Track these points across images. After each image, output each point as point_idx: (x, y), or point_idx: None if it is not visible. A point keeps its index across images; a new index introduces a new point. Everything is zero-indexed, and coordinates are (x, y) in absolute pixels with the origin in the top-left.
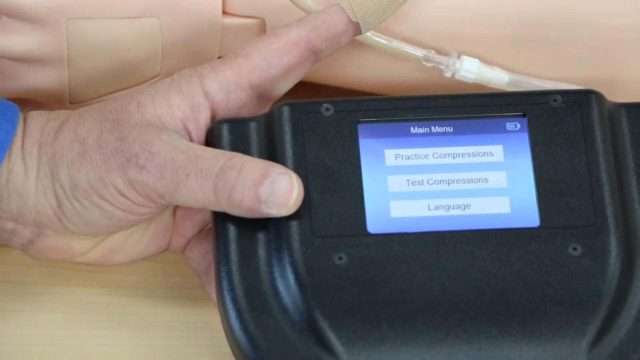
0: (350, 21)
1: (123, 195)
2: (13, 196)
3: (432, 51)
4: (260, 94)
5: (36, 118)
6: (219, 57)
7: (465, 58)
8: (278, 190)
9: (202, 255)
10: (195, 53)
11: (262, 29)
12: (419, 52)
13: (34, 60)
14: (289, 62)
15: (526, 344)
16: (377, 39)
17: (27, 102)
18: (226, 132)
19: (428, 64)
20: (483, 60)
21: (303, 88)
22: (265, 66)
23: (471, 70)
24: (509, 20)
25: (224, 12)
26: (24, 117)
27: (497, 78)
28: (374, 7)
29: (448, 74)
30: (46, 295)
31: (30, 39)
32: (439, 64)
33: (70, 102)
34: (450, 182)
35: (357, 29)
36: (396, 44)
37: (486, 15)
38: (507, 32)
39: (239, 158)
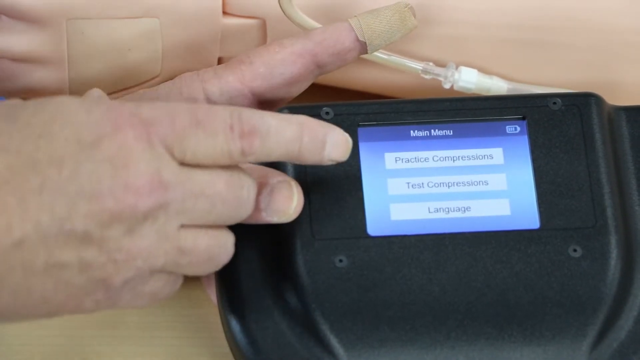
0: (358, 40)
1: None
2: None
3: (430, 63)
4: (262, 102)
5: None
6: (219, 58)
7: (463, 69)
8: (277, 198)
9: None
10: (195, 53)
11: (263, 29)
12: (417, 65)
13: (34, 60)
14: (292, 73)
15: (527, 346)
16: (376, 53)
17: None
18: None
19: (427, 77)
20: (482, 63)
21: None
22: (268, 75)
23: (470, 81)
24: (509, 22)
25: (224, 13)
26: None
27: (496, 87)
28: (382, 29)
29: (447, 86)
30: None
31: (31, 39)
32: (438, 75)
33: None
34: (450, 184)
35: (363, 48)
36: (395, 58)
37: (485, 17)
38: (507, 34)
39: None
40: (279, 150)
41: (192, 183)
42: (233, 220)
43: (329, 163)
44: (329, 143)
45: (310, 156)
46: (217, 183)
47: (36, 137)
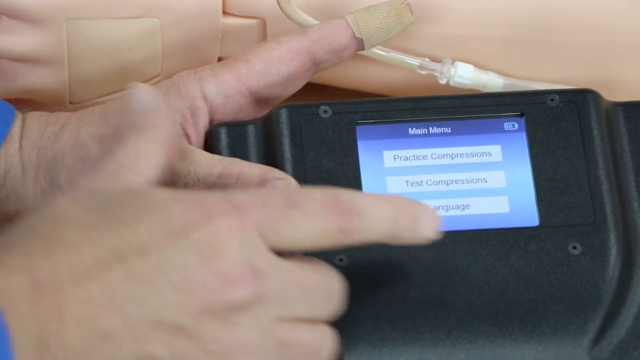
0: (354, 36)
1: None
2: (11, 197)
3: (427, 59)
4: (259, 100)
5: (36, 121)
6: (219, 58)
7: (459, 64)
8: None
9: None
10: (195, 53)
11: (263, 29)
12: (413, 61)
13: (34, 60)
14: (288, 70)
15: (527, 343)
16: (372, 49)
17: (28, 102)
18: (224, 136)
19: (423, 72)
20: (480, 61)
21: (301, 89)
22: (265, 73)
23: (466, 76)
24: (507, 21)
25: (224, 13)
26: (23, 117)
27: (493, 82)
28: (379, 26)
29: (443, 81)
30: None
31: (30, 39)
32: (434, 71)
33: (70, 103)
34: (449, 182)
35: (360, 45)
36: (391, 54)
37: (483, 15)
38: (505, 33)
39: (236, 164)
40: (378, 229)
41: (286, 272)
42: (327, 314)
43: (422, 242)
44: (422, 220)
45: (408, 235)
46: (309, 273)
47: (123, 227)
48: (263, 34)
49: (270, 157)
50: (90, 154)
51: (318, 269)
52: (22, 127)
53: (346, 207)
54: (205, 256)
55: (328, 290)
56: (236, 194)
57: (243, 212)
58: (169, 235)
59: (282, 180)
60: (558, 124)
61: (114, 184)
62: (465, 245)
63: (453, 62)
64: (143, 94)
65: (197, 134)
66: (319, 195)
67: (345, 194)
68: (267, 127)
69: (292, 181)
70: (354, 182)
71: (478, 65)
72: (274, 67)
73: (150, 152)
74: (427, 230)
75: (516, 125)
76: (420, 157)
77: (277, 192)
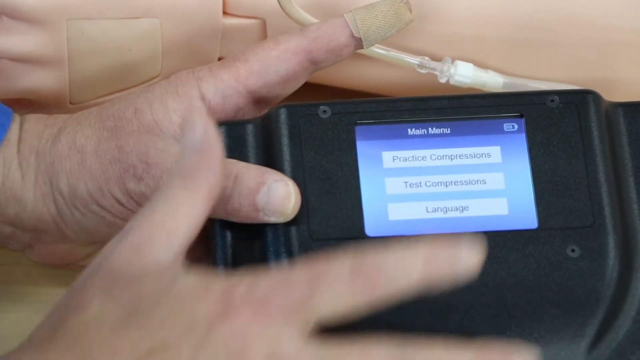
0: (353, 35)
1: (122, 204)
2: (10, 201)
3: (426, 58)
4: (257, 100)
5: (34, 124)
6: (219, 58)
7: (459, 63)
8: (275, 198)
9: (199, 257)
10: (195, 53)
11: (263, 29)
12: (413, 60)
13: (34, 60)
14: (287, 70)
15: (525, 346)
16: (371, 48)
17: (28, 103)
18: (223, 135)
19: (423, 71)
20: (479, 61)
21: (300, 89)
22: (263, 72)
23: (466, 75)
24: (506, 20)
25: (225, 13)
26: (21, 121)
27: (492, 81)
28: (378, 24)
29: (443, 80)
30: (46, 296)
31: (31, 39)
32: (434, 70)
33: (70, 103)
34: (448, 184)
35: (359, 44)
36: (390, 53)
37: (482, 15)
38: (504, 32)
39: (234, 166)
40: (409, 284)
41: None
42: None
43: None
44: (460, 259)
45: (447, 280)
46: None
47: (151, 332)
48: (263, 34)
49: (269, 157)
50: (87, 158)
51: (352, 352)
52: (20, 130)
53: (372, 271)
54: (231, 353)
55: None
56: (261, 283)
57: (268, 304)
58: (192, 331)
59: (281, 182)
60: (558, 125)
61: (135, 266)
62: None
63: (453, 61)
64: (198, 126)
65: None
66: (343, 264)
67: (370, 257)
68: (266, 126)
69: (290, 183)
70: (352, 183)
71: (477, 65)
72: (272, 66)
73: (184, 216)
74: (466, 265)
75: (516, 126)
76: (419, 158)
77: (302, 271)
